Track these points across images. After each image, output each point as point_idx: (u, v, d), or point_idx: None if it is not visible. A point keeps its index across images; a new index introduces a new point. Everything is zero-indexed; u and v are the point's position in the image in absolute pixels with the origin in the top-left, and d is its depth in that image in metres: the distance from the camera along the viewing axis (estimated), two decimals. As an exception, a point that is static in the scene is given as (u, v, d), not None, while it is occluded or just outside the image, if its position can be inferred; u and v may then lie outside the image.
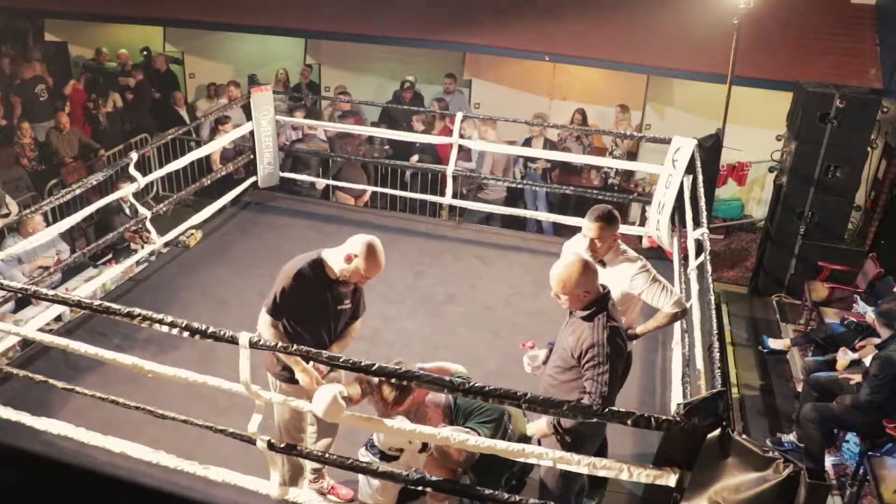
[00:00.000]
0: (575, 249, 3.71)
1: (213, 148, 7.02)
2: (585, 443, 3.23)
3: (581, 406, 2.75)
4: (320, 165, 8.65)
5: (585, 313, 3.13)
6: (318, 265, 3.32)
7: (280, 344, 3.01)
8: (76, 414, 4.01)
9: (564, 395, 3.17)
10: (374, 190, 7.90)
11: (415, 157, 8.52)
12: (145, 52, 11.10)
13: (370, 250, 3.26)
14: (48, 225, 5.75)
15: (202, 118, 8.26)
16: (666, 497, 2.71)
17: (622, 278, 3.68)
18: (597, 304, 3.13)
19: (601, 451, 3.76)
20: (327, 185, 7.97)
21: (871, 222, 7.74)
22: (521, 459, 2.97)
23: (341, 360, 2.96)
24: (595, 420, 2.92)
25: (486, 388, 2.72)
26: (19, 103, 9.42)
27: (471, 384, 2.75)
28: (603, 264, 3.71)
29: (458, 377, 3.16)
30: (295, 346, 2.98)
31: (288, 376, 3.38)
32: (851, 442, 5.15)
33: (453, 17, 9.78)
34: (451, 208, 7.70)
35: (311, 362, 3.30)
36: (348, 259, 3.25)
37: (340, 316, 3.48)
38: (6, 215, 5.40)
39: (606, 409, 2.72)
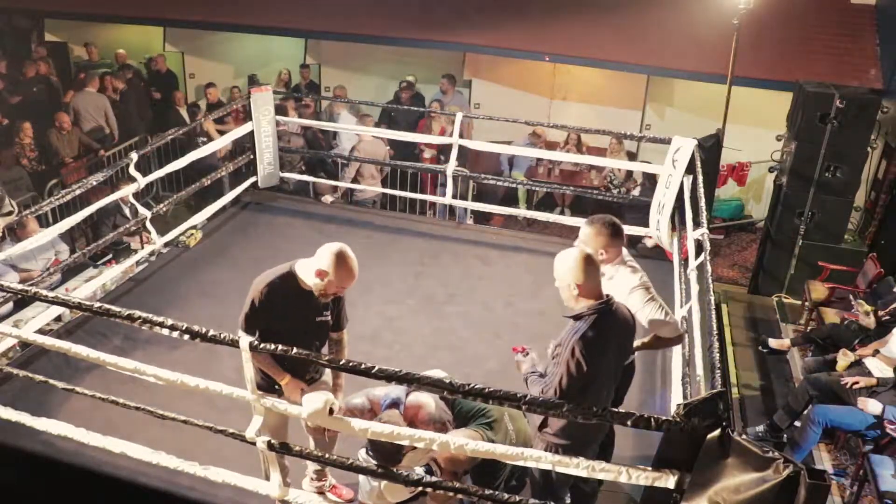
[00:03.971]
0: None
1: (213, 148, 7.02)
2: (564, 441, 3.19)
3: (581, 407, 2.74)
4: (302, 163, 8.63)
5: (573, 313, 3.05)
6: (290, 277, 3.22)
7: (280, 347, 3.00)
8: (76, 414, 4.01)
9: None
10: (375, 190, 7.92)
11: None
12: (146, 61, 11.12)
13: (339, 262, 3.13)
14: (47, 226, 5.74)
15: (202, 118, 8.23)
16: (665, 498, 2.70)
17: (621, 288, 3.52)
18: (590, 311, 3.00)
19: (606, 451, 3.75)
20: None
21: (871, 222, 7.75)
22: (520, 463, 2.95)
23: (341, 362, 2.96)
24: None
25: (486, 390, 2.72)
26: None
27: (470, 385, 2.75)
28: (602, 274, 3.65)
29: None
30: (295, 350, 2.97)
31: (264, 385, 3.32)
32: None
33: (453, 17, 9.78)
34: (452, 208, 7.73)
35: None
36: (319, 275, 3.15)
37: (320, 328, 3.39)
38: (9, 213, 5.39)
39: (606, 410, 2.72)
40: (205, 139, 8.51)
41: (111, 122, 9.44)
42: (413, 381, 2.82)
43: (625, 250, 3.73)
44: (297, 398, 3.25)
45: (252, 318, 3.22)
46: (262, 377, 3.34)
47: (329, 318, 3.39)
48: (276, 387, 3.37)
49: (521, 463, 2.95)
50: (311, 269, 3.18)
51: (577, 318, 3.03)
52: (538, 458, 2.88)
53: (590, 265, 3.05)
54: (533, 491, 3.37)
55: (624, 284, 3.53)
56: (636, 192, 8.50)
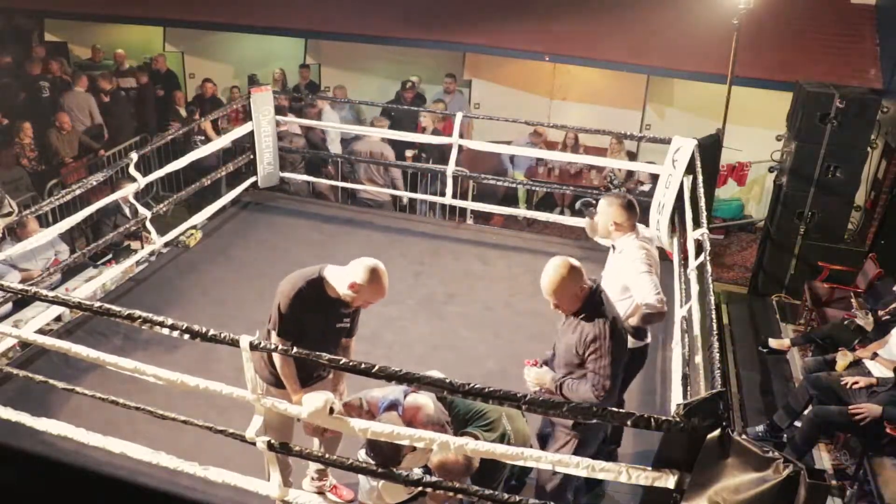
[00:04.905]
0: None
1: (213, 148, 7.02)
2: (587, 432, 3.27)
3: (581, 406, 2.74)
4: (303, 163, 8.63)
5: (583, 315, 3.16)
6: (318, 284, 3.25)
7: (280, 346, 3.00)
8: (76, 414, 4.01)
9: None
10: (375, 190, 7.93)
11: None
12: (147, 61, 11.13)
13: (374, 278, 3.19)
14: (47, 226, 5.74)
15: (201, 119, 8.22)
16: (666, 498, 2.70)
17: (625, 259, 3.73)
18: (591, 299, 3.16)
19: (611, 445, 3.78)
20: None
21: (871, 222, 7.74)
22: (520, 463, 2.96)
23: (341, 361, 2.96)
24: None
25: (486, 390, 2.72)
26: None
27: (470, 385, 2.75)
28: (614, 248, 3.88)
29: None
30: (295, 349, 2.97)
31: (275, 381, 3.35)
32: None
33: (453, 17, 9.78)
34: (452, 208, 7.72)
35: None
36: (352, 287, 3.19)
37: (338, 334, 3.44)
38: (9, 214, 5.38)
39: (606, 410, 2.72)
40: (202, 138, 8.51)
41: (97, 120, 9.43)
42: (413, 381, 2.82)
43: (643, 229, 3.95)
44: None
45: (285, 324, 3.22)
46: (272, 372, 3.35)
47: (348, 324, 3.43)
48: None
49: (520, 463, 2.95)
50: (344, 281, 3.21)
51: (593, 315, 3.13)
52: (538, 458, 2.88)
53: (575, 267, 3.17)
54: (538, 491, 3.39)
55: (628, 256, 3.72)
56: (644, 189, 8.50)
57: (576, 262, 3.20)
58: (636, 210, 3.86)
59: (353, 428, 3.05)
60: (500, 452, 2.93)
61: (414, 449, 3.25)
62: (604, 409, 2.73)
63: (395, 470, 3.15)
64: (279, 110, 8.20)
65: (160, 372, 3.30)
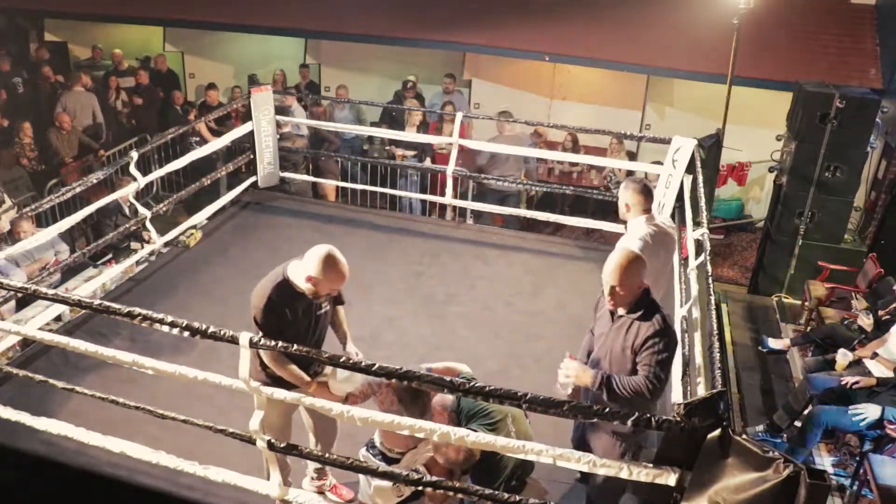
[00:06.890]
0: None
1: (212, 149, 7.02)
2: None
3: (581, 405, 2.74)
4: (304, 163, 8.63)
5: (639, 313, 3.11)
6: (285, 285, 3.21)
7: (280, 343, 3.00)
8: (76, 414, 4.00)
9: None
10: (374, 190, 7.94)
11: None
12: (144, 59, 11.13)
13: (327, 266, 3.12)
14: (47, 225, 5.74)
15: (198, 119, 8.21)
16: (666, 497, 2.71)
17: (628, 235, 4.05)
18: (647, 297, 3.15)
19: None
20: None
21: (871, 222, 7.74)
22: (521, 456, 2.96)
23: (342, 359, 2.96)
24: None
25: (487, 389, 2.72)
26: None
27: (472, 384, 2.75)
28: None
29: (463, 377, 3.17)
30: (295, 346, 2.97)
31: (271, 384, 3.31)
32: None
33: (453, 17, 9.79)
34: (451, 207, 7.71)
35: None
36: (310, 280, 3.14)
37: (322, 320, 3.41)
38: (10, 209, 5.38)
39: (607, 410, 2.72)
40: (197, 139, 8.50)
41: (99, 119, 9.43)
42: (413, 379, 2.82)
43: (659, 217, 4.19)
44: (327, 397, 3.25)
45: (267, 334, 3.17)
46: (267, 376, 3.33)
47: (328, 307, 3.42)
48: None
49: (521, 456, 2.96)
50: (302, 276, 3.17)
51: (650, 313, 3.13)
52: (539, 452, 2.88)
53: (641, 258, 3.17)
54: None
55: (629, 234, 4.06)
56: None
57: (642, 257, 3.18)
58: (650, 195, 4.16)
59: (355, 417, 3.05)
60: (500, 446, 2.94)
61: (415, 446, 3.27)
62: (604, 408, 2.72)
63: (395, 470, 3.15)
64: (283, 111, 8.19)
65: (159, 365, 3.29)
